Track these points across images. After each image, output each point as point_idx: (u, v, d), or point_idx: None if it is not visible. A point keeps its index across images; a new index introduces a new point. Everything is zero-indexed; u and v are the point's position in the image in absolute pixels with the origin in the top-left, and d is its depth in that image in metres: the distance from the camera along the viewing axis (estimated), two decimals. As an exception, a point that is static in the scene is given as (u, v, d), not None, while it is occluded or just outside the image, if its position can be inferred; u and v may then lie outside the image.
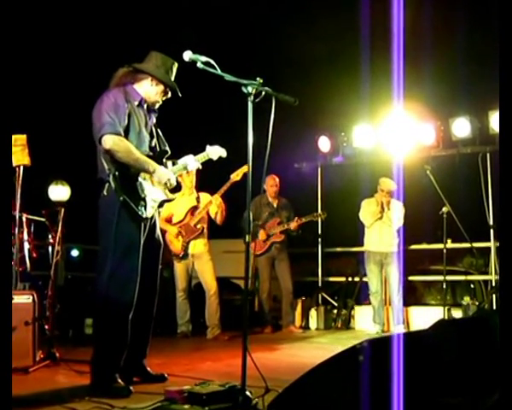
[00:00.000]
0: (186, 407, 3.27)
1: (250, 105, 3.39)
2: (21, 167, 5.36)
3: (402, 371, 2.62)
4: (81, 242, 9.08)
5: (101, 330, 3.92)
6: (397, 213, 7.71)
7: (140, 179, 3.98)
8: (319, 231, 9.18)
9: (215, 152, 4.57)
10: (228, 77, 3.47)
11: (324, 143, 9.14)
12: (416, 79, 8.39)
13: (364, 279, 8.80)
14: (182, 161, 4.39)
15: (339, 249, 9.80)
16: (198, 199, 7.03)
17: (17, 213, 5.51)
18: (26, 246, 6.23)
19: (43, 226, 6.58)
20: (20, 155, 5.31)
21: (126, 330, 3.89)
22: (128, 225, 3.89)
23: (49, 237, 6.42)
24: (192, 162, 4.43)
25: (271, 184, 7.82)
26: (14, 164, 5.32)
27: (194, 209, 7.03)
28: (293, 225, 7.79)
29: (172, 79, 4.20)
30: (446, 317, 7.25)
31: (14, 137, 5.32)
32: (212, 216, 7.09)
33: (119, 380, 3.83)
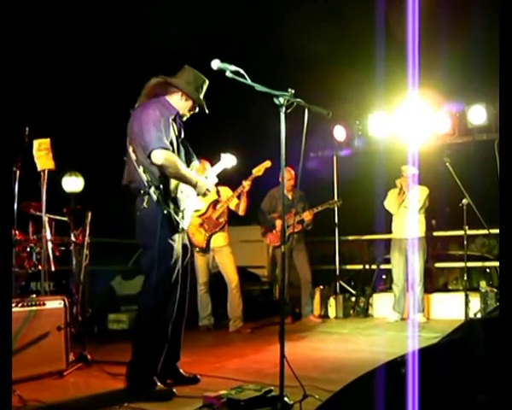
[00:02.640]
0: (225, 412, 3.37)
1: (282, 116, 3.42)
2: (46, 171, 5.44)
3: (442, 379, 2.69)
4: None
5: (145, 337, 4.01)
6: (416, 195, 7.73)
7: (179, 192, 4.07)
8: (336, 220, 9.20)
9: (228, 161, 4.73)
10: (259, 87, 3.48)
11: (339, 132, 9.14)
12: (432, 67, 8.36)
13: (382, 267, 8.88)
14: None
15: (355, 237, 9.85)
16: (218, 193, 7.08)
17: (43, 215, 5.60)
18: (50, 245, 6.28)
19: (62, 222, 6.64)
20: (44, 160, 5.37)
21: (167, 336, 4.03)
22: (170, 238, 4.01)
23: (72, 235, 6.44)
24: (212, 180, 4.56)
25: (288, 177, 7.75)
26: (39, 168, 5.39)
27: (215, 203, 7.10)
28: (306, 217, 7.82)
29: (201, 96, 4.26)
30: (465, 304, 7.29)
31: (37, 141, 5.38)
32: (233, 208, 7.13)
33: (159, 383, 3.94)
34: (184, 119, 4.30)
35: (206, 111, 4.30)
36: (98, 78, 11.32)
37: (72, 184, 12.25)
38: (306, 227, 7.95)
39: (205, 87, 4.26)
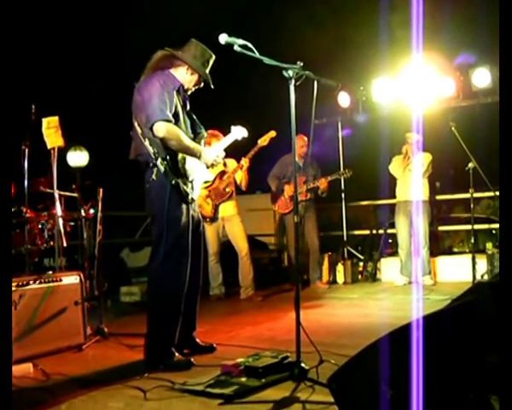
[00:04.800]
0: (243, 379, 3.46)
1: (292, 88, 3.45)
2: (56, 149, 5.48)
3: (454, 341, 2.77)
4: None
5: (157, 309, 4.08)
6: (420, 161, 7.78)
7: (187, 163, 4.10)
8: (342, 186, 9.24)
9: (239, 132, 4.69)
10: (267, 60, 3.50)
11: (344, 99, 9.12)
12: (436, 29, 8.31)
13: (389, 231, 8.95)
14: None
15: (367, 202, 9.90)
16: (225, 164, 7.14)
17: (55, 192, 5.67)
18: (61, 221, 6.35)
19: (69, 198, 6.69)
20: (53, 138, 5.41)
21: (180, 307, 4.08)
22: (179, 208, 4.04)
23: (82, 211, 6.50)
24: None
25: (301, 144, 7.79)
26: (49, 147, 5.43)
27: (222, 174, 7.16)
28: (322, 184, 7.85)
29: (207, 71, 4.26)
30: (472, 266, 7.36)
31: (46, 119, 5.41)
32: (238, 182, 7.21)
33: (177, 354, 4.04)
34: (189, 93, 4.32)
35: (212, 86, 4.30)
36: (101, 51, 11.29)
37: (77, 158, 12.26)
38: (321, 194, 8.01)
39: (211, 62, 4.26)
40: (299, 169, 7.86)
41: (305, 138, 7.76)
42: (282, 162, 8.10)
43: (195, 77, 4.24)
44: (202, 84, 4.32)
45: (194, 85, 4.28)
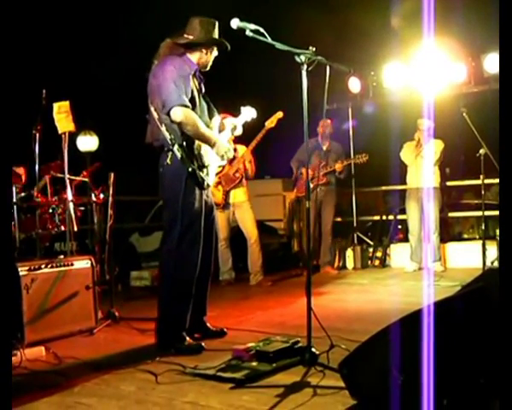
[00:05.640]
0: (254, 363, 3.48)
1: (304, 74, 3.43)
2: (67, 134, 5.48)
3: (464, 327, 2.79)
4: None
5: (169, 293, 4.09)
6: (432, 147, 7.74)
7: (203, 148, 4.11)
8: (352, 172, 9.20)
9: (249, 113, 4.71)
10: (279, 45, 3.48)
11: (354, 84, 9.07)
12: (448, 14, 8.23)
13: (399, 217, 8.93)
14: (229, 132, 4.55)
15: (386, 188, 9.85)
16: (235, 150, 7.13)
17: (66, 177, 5.68)
18: (71, 206, 6.37)
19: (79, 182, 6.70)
20: (64, 122, 5.40)
21: (192, 291, 4.10)
22: (193, 194, 4.06)
23: (92, 195, 6.51)
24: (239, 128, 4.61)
25: (321, 124, 8.00)
26: (60, 131, 5.42)
27: (232, 159, 7.14)
28: (337, 166, 7.92)
29: (217, 36, 4.22)
30: (483, 252, 7.33)
31: (57, 104, 5.40)
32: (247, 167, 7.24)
33: (188, 338, 4.06)
34: (208, 68, 4.30)
35: (229, 48, 4.25)
36: (111, 36, 11.27)
37: (87, 143, 12.27)
38: (339, 175, 8.06)
39: (217, 28, 4.21)
40: (321, 152, 7.89)
41: (328, 121, 7.92)
42: (304, 147, 8.10)
43: (213, 52, 4.24)
44: (217, 53, 4.29)
45: (212, 57, 4.28)
